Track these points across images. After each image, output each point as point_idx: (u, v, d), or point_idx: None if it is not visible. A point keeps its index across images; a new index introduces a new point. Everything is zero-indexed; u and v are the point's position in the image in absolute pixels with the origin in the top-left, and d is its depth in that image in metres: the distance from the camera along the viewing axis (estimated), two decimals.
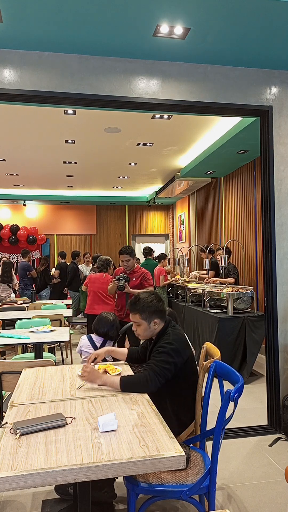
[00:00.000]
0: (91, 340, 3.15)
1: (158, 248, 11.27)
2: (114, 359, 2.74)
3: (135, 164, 7.49)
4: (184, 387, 2.28)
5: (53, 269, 8.84)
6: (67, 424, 1.71)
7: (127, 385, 2.12)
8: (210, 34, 2.97)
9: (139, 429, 1.66)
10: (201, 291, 5.73)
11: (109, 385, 2.15)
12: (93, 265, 8.55)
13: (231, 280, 5.80)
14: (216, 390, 2.15)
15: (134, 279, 4.35)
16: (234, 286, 5.37)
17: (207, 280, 6.32)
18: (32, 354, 4.21)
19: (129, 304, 2.40)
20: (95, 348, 3.11)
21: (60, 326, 4.81)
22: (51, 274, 8.55)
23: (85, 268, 8.61)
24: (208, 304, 5.37)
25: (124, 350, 2.61)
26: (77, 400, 2.01)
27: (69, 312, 5.61)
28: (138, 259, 9.88)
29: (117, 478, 2.39)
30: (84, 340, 3.17)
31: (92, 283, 5.11)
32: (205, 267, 6.34)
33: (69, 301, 7.80)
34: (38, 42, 3.02)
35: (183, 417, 2.30)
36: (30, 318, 4.70)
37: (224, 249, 5.84)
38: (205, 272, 7.02)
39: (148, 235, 11.84)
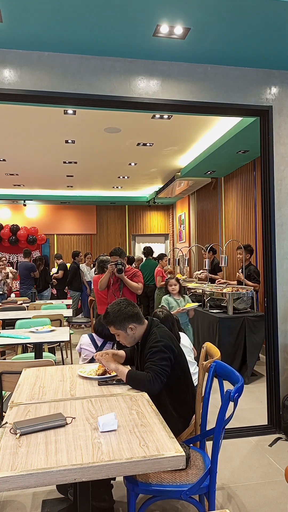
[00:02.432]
0: (92, 339, 3.16)
1: (158, 248, 11.27)
2: None
3: (135, 164, 7.49)
4: (179, 381, 2.31)
5: (54, 269, 8.87)
6: (67, 424, 1.71)
7: (131, 379, 2.17)
8: (210, 34, 2.97)
9: (139, 429, 1.66)
10: (201, 291, 5.72)
11: (119, 372, 2.25)
12: (94, 265, 8.56)
13: (253, 284, 5.28)
14: (216, 390, 2.15)
15: (125, 277, 4.46)
16: (235, 286, 5.36)
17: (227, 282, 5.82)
18: (32, 354, 4.21)
19: (102, 319, 2.46)
20: (96, 347, 3.12)
21: (60, 326, 4.82)
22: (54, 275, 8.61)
23: (86, 268, 8.62)
24: (208, 304, 5.38)
25: (123, 353, 2.65)
26: (77, 400, 2.01)
27: (69, 312, 5.61)
28: (133, 257, 9.89)
29: (113, 487, 2.41)
30: (85, 338, 3.18)
31: (95, 286, 5.17)
32: (205, 267, 6.33)
33: (69, 301, 7.81)
34: (38, 42, 3.02)
35: (183, 411, 2.32)
36: (30, 318, 4.70)
37: (224, 248, 5.81)
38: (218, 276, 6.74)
39: (148, 235, 11.84)
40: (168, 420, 1.80)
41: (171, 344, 2.29)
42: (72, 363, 5.55)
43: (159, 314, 3.03)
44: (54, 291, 8.83)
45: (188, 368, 2.41)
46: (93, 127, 5.45)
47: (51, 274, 8.70)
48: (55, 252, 10.62)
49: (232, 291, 4.99)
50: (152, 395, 2.09)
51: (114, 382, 2.28)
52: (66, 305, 6.39)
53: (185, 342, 3.09)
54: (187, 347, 3.08)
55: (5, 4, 2.59)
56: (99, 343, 3.14)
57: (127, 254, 10.10)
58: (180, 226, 10.88)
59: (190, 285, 6.42)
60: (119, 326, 2.35)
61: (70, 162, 7.27)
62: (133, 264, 8.77)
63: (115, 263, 4.36)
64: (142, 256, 8.70)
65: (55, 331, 4.08)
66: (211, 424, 2.08)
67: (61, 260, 8.85)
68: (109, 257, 5.42)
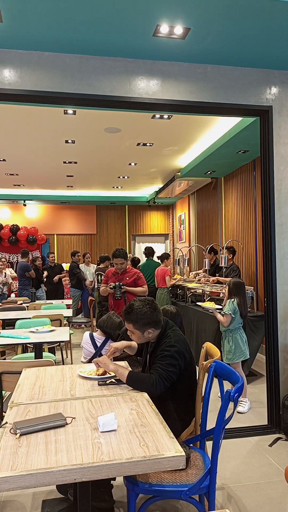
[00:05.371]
0: (92, 338, 3.17)
1: (158, 248, 11.26)
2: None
3: (135, 164, 7.49)
4: (185, 388, 2.30)
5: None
6: (67, 424, 1.71)
7: (132, 380, 2.16)
8: (210, 34, 2.97)
9: (139, 429, 1.66)
10: (201, 291, 5.72)
11: (118, 374, 2.23)
12: (98, 264, 8.57)
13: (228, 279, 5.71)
14: (216, 390, 2.15)
15: (127, 278, 4.46)
16: None
17: (204, 279, 6.27)
18: (32, 354, 4.21)
19: (123, 312, 2.38)
20: (95, 346, 3.12)
21: (60, 326, 4.82)
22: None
23: (85, 268, 8.62)
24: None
25: (135, 345, 2.63)
26: (77, 400, 2.01)
27: (69, 312, 5.61)
28: (138, 259, 9.91)
29: (113, 487, 2.41)
30: (86, 336, 3.22)
31: None
32: (205, 267, 6.33)
33: (69, 301, 7.81)
34: (38, 42, 3.02)
35: (186, 417, 2.32)
36: (30, 318, 4.70)
37: (224, 248, 5.82)
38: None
39: (148, 235, 11.83)
40: (169, 422, 1.80)
41: (183, 351, 2.26)
42: (72, 363, 5.56)
43: (169, 309, 3.07)
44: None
45: (195, 374, 2.38)
46: (93, 127, 5.45)
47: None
48: (55, 252, 10.63)
49: None
50: (152, 396, 2.09)
51: (114, 382, 2.28)
52: (66, 305, 6.39)
53: None
54: None
55: (5, 4, 2.59)
56: (98, 343, 3.14)
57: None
58: (180, 226, 10.88)
59: (189, 285, 6.43)
60: (139, 327, 2.29)
61: (70, 162, 7.27)
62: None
63: (112, 287, 4.33)
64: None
65: (55, 331, 4.08)
66: (211, 424, 2.08)
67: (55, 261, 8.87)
68: (104, 258, 5.44)
